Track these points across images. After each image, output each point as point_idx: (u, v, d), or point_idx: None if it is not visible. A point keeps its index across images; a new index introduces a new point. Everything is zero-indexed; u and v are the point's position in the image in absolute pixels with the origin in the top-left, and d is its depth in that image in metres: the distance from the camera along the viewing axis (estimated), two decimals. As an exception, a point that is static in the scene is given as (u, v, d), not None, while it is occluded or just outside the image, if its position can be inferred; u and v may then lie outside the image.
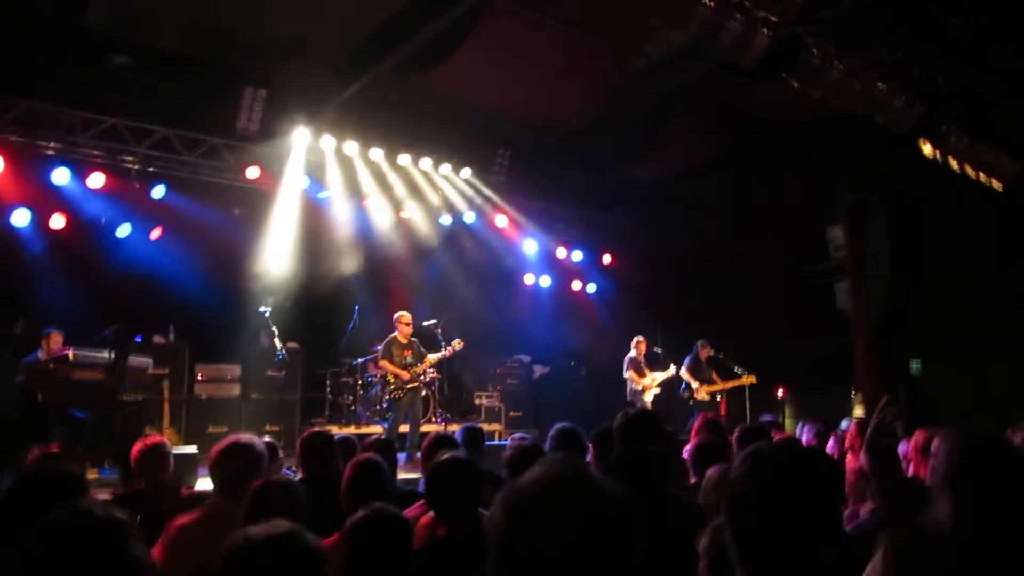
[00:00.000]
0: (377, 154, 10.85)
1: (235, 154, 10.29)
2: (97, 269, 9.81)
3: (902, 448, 4.62)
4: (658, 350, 11.83)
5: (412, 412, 9.61)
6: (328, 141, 10.39)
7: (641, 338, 11.60)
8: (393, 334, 9.77)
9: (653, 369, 11.48)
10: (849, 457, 5.57)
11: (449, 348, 10.05)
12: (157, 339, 10.22)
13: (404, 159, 11.13)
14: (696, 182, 12.26)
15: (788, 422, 11.33)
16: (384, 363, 9.67)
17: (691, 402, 11.30)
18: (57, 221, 9.61)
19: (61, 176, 9.29)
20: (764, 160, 11.20)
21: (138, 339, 9.79)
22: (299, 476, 4.61)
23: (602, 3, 8.23)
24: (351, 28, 8.80)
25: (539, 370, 13.84)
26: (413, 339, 9.87)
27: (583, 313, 14.25)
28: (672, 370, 11.48)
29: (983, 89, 8.46)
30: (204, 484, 5.41)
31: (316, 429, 5.16)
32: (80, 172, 9.44)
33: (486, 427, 10.03)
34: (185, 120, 9.83)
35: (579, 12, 8.54)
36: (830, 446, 6.12)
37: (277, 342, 10.04)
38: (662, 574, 2.12)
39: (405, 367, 9.60)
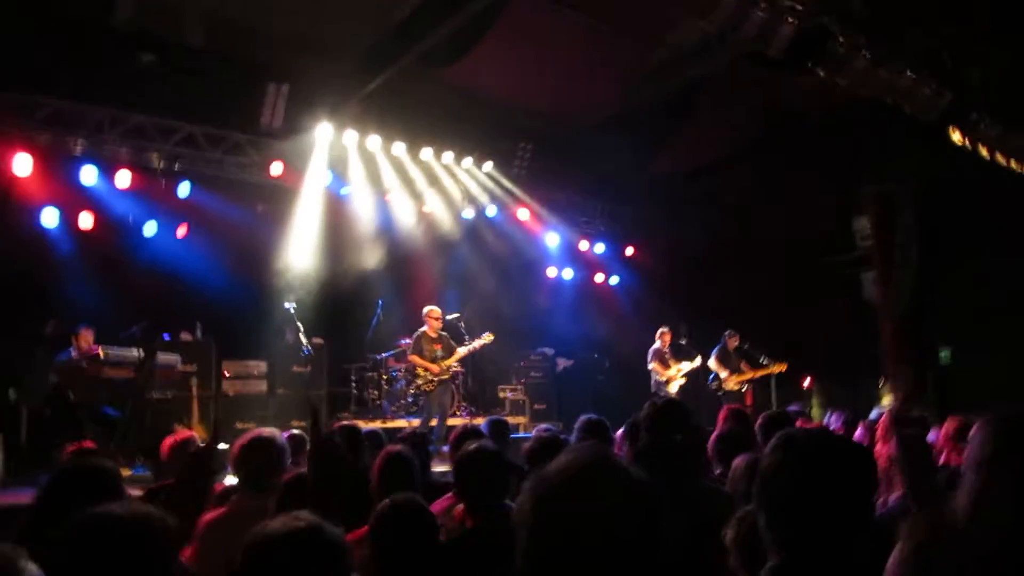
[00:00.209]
0: (399, 148, 10.85)
1: (259, 150, 10.34)
2: (124, 267, 9.90)
3: (932, 436, 4.57)
4: (683, 340, 11.79)
5: (440, 406, 9.65)
6: (351, 136, 10.39)
7: (666, 329, 11.56)
8: (423, 328, 9.81)
9: (679, 360, 11.44)
10: (879, 446, 5.52)
11: (479, 342, 10.06)
12: (184, 336, 10.28)
13: (426, 153, 11.13)
14: (720, 173, 12.18)
15: (815, 411, 11.24)
16: (413, 357, 9.71)
17: (719, 392, 11.26)
18: (85, 220, 9.68)
19: (89, 175, 9.35)
20: (789, 151, 11.09)
21: (166, 336, 9.84)
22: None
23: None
24: (373, 22, 8.79)
25: (562, 363, 13.80)
26: (443, 333, 9.90)
27: (606, 306, 14.19)
28: (698, 360, 11.44)
29: (1015, 76, 8.33)
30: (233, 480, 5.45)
31: (344, 423, 5.19)
32: (107, 171, 9.50)
33: (510, 420, 10.04)
34: (209, 116, 9.88)
35: (602, 3, 8.48)
36: (858, 434, 6.06)
37: (302, 337, 10.06)
38: (694, 563, 2.12)
39: (434, 361, 9.63)
